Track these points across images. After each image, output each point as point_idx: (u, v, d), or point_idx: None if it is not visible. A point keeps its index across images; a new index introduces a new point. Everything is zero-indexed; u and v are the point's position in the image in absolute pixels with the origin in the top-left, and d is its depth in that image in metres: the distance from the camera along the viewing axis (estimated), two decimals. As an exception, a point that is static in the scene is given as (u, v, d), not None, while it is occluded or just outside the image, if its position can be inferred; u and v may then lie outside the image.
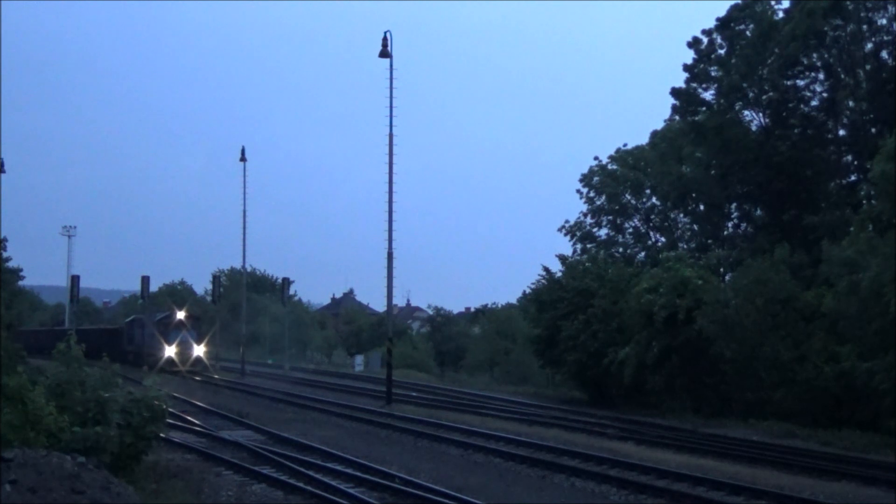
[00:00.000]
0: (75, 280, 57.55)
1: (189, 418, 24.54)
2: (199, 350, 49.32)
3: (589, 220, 47.05)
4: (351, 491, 14.18)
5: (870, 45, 34.98)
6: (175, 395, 29.19)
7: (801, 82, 38.00)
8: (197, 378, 44.75)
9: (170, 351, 48.35)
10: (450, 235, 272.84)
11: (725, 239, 41.36)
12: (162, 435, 15.71)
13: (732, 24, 38.70)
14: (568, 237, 47.24)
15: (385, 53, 32.58)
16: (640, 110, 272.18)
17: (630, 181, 45.99)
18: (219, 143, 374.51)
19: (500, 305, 68.86)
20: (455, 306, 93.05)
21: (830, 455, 20.36)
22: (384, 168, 32.93)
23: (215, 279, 59.91)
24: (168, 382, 27.12)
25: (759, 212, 39.95)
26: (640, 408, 31.71)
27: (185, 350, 48.79)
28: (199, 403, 29.61)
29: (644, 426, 26.03)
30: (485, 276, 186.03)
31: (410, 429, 23.52)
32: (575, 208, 53.22)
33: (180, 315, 50.38)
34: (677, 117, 42.08)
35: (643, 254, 45.46)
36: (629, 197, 46.35)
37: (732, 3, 38.53)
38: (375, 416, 26.83)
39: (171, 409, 17.56)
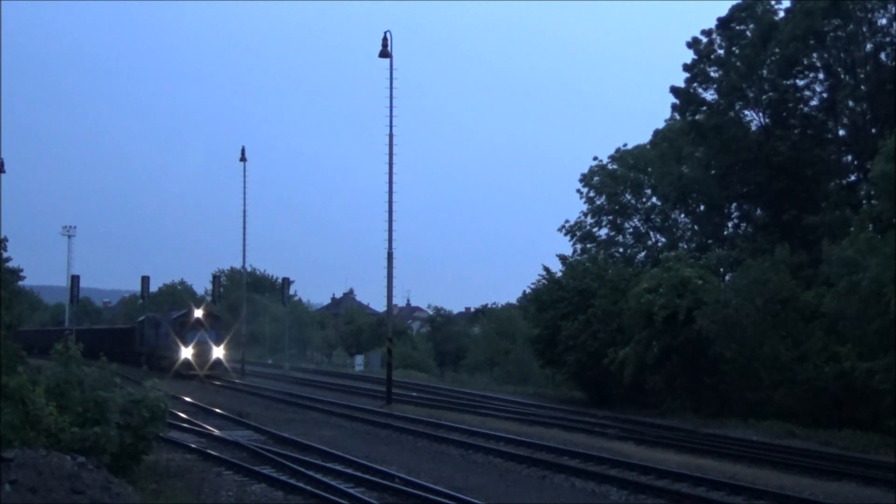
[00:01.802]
0: (75, 280, 57.45)
1: (189, 418, 24.52)
2: (218, 352, 45.37)
3: (589, 220, 47.05)
4: (351, 491, 14.18)
5: (870, 46, 34.96)
6: (175, 395, 29.18)
7: (801, 82, 38.02)
8: (216, 382, 41.77)
9: (186, 352, 44.42)
10: (450, 235, 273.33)
11: (725, 239, 41.34)
12: (161, 435, 15.70)
13: (732, 24, 38.69)
14: (568, 237, 47.28)
15: (385, 53, 32.57)
16: (640, 110, 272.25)
17: (630, 181, 45.99)
18: (219, 142, 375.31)
19: (500, 305, 69.02)
20: (455, 306, 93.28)
21: (830, 455, 20.35)
22: (384, 168, 32.98)
23: (215, 279, 59.87)
24: (170, 383, 27.11)
25: (759, 212, 39.93)
26: (640, 408, 31.69)
27: (203, 352, 44.87)
28: (199, 403, 29.61)
29: (644, 426, 26.01)
30: (485, 276, 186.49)
31: (410, 429, 23.51)
32: (575, 208, 53.26)
33: (198, 313, 46.44)
34: (677, 116, 42.11)
35: (643, 254, 45.46)
36: (629, 197, 46.35)
37: (733, 3, 38.56)
38: (375, 416, 26.81)
39: (171, 410, 17.55)
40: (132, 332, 55.26)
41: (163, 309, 61.33)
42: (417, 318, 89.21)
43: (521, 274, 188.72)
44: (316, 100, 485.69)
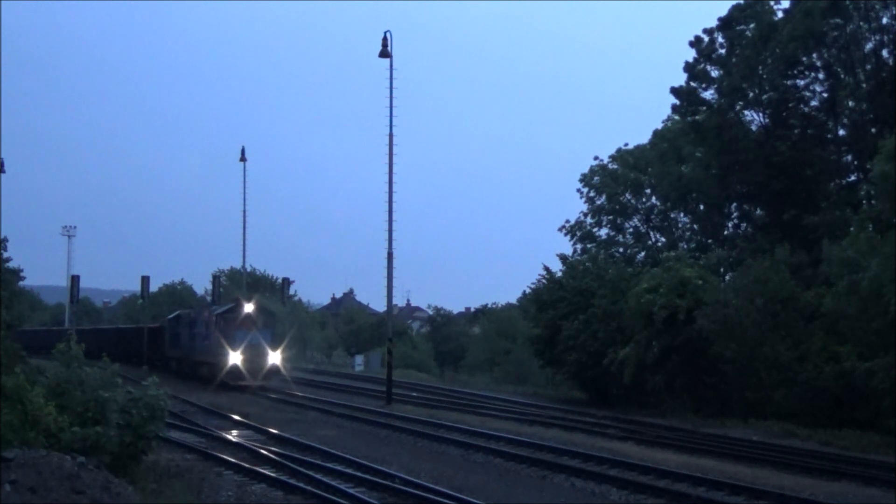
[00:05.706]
0: (75, 280, 57.36)
1: (189, 418, 24.52)
2: (274, 357, 37.13)
3: (589, 219, 47.15)
4: (351, 491, 14.18)
5: (870, 45, 34.97)
6: (175, 395, 29.18)
7: (801, 82, 38.04)
8: (272, 395, 34.52)
9: (235, 358, 36.06)
10: (450, 235, 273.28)
11: (725, 239, 41.36)
12: (161, 434, 15.68)
13: (733, 24, 38.71)
14: (568, 237, 47.37)
15: (385, 53, 32.55)
16: (641, 109, 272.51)
17: (630, 181, 46.02)
18: (219, 142, 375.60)
19: (500, 305, 69.01)
20: (455, 306, 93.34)
21: (830, 455, 20.33)
22: (384, 168, 32.93)
23: (215, 279, 59.75)
24: (167, 382, 27.06)
25: (759, 212, 39.95)
26: (640, 408, 31.67)
27: (255, 357, 36.40)
28: (199, 403, 29.59)
29: (644, 426, 25.99)
30: (485, 276, 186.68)
31: (410, 429, 23.49)
32: (575, 208, 53.33)
33: (248, 308, 37.77)
34: (677, 117, 42.12)
35: (643, 254, 45.47)
36: (629, 197, 46.39)
37: (733, 2, 38.58)
38: (375, 416, 26.80)
39: (171, 410, 17.56)
40: (161, 333, 47.62)
41: (199, 305, 58.74)
42: (417, 318, 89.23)
43: (521, 274, 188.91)
44: (316, 99, 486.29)
